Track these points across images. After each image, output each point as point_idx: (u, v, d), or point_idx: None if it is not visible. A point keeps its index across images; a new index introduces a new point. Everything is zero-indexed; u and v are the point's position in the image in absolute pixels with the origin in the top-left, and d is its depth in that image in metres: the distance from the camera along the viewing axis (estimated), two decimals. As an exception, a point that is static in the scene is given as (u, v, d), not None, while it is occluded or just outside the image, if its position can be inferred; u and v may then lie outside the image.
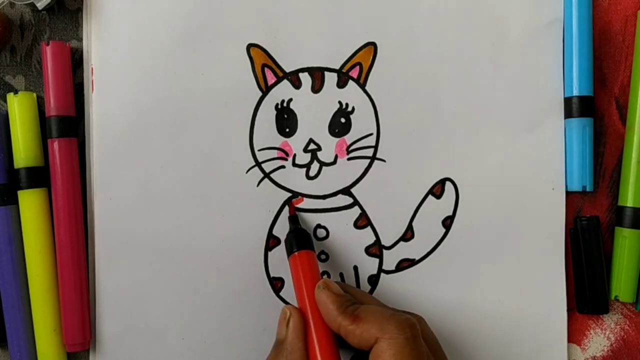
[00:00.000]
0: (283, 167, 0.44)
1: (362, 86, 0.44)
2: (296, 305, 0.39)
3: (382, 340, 0.34)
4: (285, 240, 0.42)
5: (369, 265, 0.44)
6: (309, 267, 0.39)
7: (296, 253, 0.40)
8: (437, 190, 0.44)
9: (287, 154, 0.44)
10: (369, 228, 0.44)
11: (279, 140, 0.44)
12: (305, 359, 0.36)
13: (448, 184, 0.44)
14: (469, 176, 0.44)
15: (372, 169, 0.44)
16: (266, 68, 0.43)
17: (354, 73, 0.44)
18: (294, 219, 0.42)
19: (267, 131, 0.43)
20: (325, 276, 0.44)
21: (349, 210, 0.44)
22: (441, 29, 0.44)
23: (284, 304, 0.43)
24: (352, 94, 0.44)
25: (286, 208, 0.43)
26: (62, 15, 0.44)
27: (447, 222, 0.44)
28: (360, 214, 0.44)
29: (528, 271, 0.44)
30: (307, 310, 0.38)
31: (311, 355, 0.36)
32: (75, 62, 0.44)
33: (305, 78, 0.44)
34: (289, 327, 0.37)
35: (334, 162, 0.44)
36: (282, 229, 0.43)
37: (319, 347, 0.36)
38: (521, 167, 0.44)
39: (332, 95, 0.44)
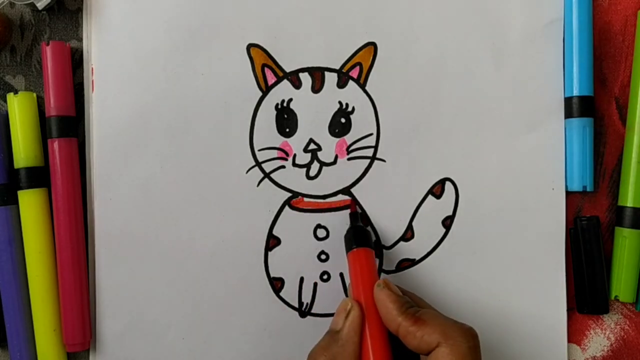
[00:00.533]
0: (283, 167, 0.44)
1: (362, 86, 0.44)
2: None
3: (445, 346, 0.34)
4: (345, 236, 0.42)
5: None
6: (367, 265, 0.39)
7: (355, 249, 0.40)
8: (437, 190, 0.44)
9: (287, 154, 0.44)
10: (368, 228, 0.44)
11: (279, 140, 0.44)
12: (358, 352, 0.36)
13: (448, 184, 0.44)
14: (469, 176, 0.44)
15: (372, 169, 0.44)
16: (266, 68, 0.43)
17: (354, 73, 0.44)
18: (354, 216, 0.42)
19: (267, 131, 0.43)
20: (325, 276, 0.44)
21: (349, 210, 0.44)
22: (441, 29, 0.44)
23: (284, 304, 0.43)
24: (352, 94, 0.44)
25: (286, 207, 0.43)
26: (62, 15, 0.44)
27: (447, 222, 0.44)
28: (361, 214, 0.44)
29: (528, 271, 0.44)
30: (363, 307, 0.38)
31: (364, 351, 0.37)
32: (75, 62, 0.44)
33: (305, 78, 0.44)
34: (348, 319, 0.37)
35: (334, 162, 0.44)
36: (282, 229, 0.43)
37: (372, 343, 0.36)
38: (521, 167, 0.44)
39: (332, 95, 0.44)
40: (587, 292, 0.44)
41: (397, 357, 0.37)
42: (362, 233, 0.41)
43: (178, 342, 0.43)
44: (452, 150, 0.44)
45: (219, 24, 0.43)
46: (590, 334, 0.45)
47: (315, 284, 0.44)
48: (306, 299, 0.44)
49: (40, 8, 0.42)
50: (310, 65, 0.44)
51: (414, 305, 0.37)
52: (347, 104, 0.44)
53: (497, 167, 0.44)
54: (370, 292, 0.38)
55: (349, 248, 0.41)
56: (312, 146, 0.44)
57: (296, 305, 0.44)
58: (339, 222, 0.44)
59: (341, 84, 0.44)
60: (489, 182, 0.44)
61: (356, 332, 0.37)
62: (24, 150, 0.42)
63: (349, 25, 0.44)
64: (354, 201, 0.43)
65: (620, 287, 0.43)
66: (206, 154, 0.43)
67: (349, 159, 0.44)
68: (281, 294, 0.44)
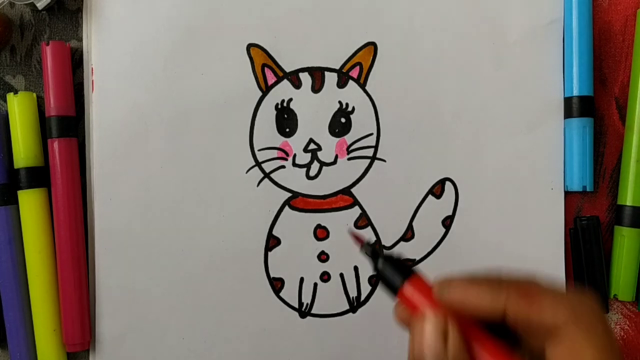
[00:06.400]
0: (283, 167, 0.44)
1: (362, 86, 0.44)
2: None
3: (575, 329, 0.27)
4: (380, 278, 0.32)
5: (370, 266, 0.44)
6: (426, 289, 0.30)
7: (406, 284, 0.30)
8: (437, 190, 0.44)
9: (287, 154, 0.44)
10: (369, 228, 0.44)
11: (279, 140, 0.44)
12: None
13: (448, 184, 0.44)
14: (468, 176, 0.44)
15: (372, 169, 0.44)
16: (266, 68, 0.43)
17: (354, 73, 0.44)
18: (374, 253, 0.32)
19: (267, 131, 0.43)
20: (325, 277, 0.44)
21: (349, 210, 0.44)
22: (441, 29, 0.44)
23: (284, 304, 0.43)
24: (352, 94, 0.44)
25: (286, 207, 0.43)
26: (62, 15, 0.44)
27: (447, 222, 0.44)
28: (361, 214, 0.44)
29: (528, 271, 0.44)
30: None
31: None
32: (75, 62, 0.44)
33: (305, 78, 0.44)
34: (451, 341, 0.28)
35: (334, 162, 0.44)
36: (282, 229, 0.43)
37: (489, 349, 0.28)
38: (521, 167, 0.44)
39: (332, 95, 0.44)
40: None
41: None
42: (398, 264, 0.32)
43: (178, 342, 0.43)
44: (452, 150, 0.44)
45: (219, 24, 0.43)
46: (590, 333, 0.45)
47: (315, 284, 0.44)
48: (306, 299, 0.44)
49: (40, 8, 0.42)
50: (310, 65, 0.44)
51: (502, 277, 0.29)
52: (347, 104, 0.44)
53: (496, 167, 0.44)
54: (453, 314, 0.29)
55: (395, 288, 0.31)
56: (312, 146, 0.44)
57: (296, 305, 0.44)
58: (339, 222, 0.44)
59: (341, 84, 0.44)
60: (488, 182, 0.44)
61: (465, 354, 0.28)
62: (24, 150, 0.42)
63: (349, 25, 0.44)
64: (358, 236, 0.34)
65: (619, 285, 0.43)
66: (206, 153, 0.43)
67: (349, 159, 0.44)
68: (281, 294, 0.44)
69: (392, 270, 0.31)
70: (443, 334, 0.28)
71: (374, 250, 0.32)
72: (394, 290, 0.31)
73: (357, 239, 0.34)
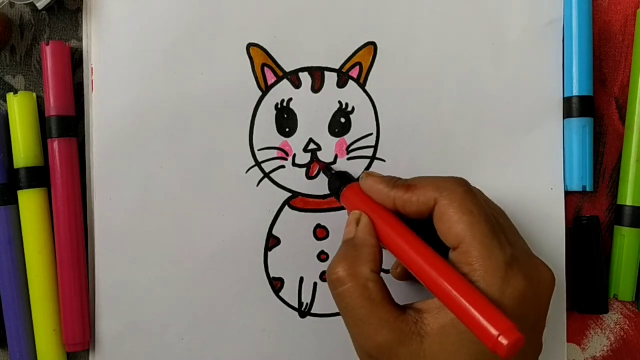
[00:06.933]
0: (283, 167, 0.44)
1: (362, 86, 0.44)
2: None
3: (442, 199, 0.34)
4: (331, 186, 0.42)
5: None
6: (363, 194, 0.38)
7: (349, 186, 0.40)
8: (437, 190, 0.44)
9: (287, 154, 0.44)
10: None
11: (279, 140, 0.44)
12: (378, 251, 0.35)
13: (448, 184, 0.44)
14: (468, 176, 0.44)
15: (372, 169, 0.44)
16: (266, 68, 0.43)
17: (354, 73, 0.44)
18: (328, 168, 0.43)
19: (267, 131, 0.43)
20: (325, 277, 0.44)
21: (346, 211, 0.44)
22: (441, 29, 0.44)
23: (284, 304, 0.43)
24: (352, 94, 0.44)
25: (286, 207, 0.43)
26: (62, 15, 0.44)
27: (447, 222, 0.44)
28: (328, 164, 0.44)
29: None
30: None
31: (389, 244, 0.35)
32: (75, 62, 0.44)
33: (305, 78, 0.44)
34: (361, 223, 0.37)
35: (334, 162, 0.44)
36: (282, 229, 0.43)
37: (397, 231, 0.35)
38: (520, 167, 0.44)
39: (332, 95, 0.44)
40: (587, 292, 0.44)
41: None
42: (345, 175, 0.42)
43: (178, 343, 0.43)
44: (452, 150, 0.44)
45: (219, 24, 0.43)
46: (590, 334, 0.45)
47: (315, 284, 0.44)
48: (306, 299, 0.44)
49: (40, 8, 0.42)
50: (310, 65, 0.44)
51: (401, 179, 0.37)
52: (347, 104, 0.44)
53: (496, 167, 0.44)
54: (375, 205, 0.37)
55: (339, 191, 0.40)
56: (312, 146, 0.44)
57: (296, 305, 0.44)
58: (339, 222, 0.44)
59: (341, 84, 0.44)
60: (488, 182, 0.44)
61: (371, 235, 0.36)
62: (24, 150, 0.42)
63: (349, 25, 0.44)
64: (319, 161, 0.44)
65: (619, 285, 0.43)
66: (206, 153, 0.43)
67: (348, 159, 0.44)
68: (281, 294, 0.44)
69: (337, 181, 0.41)
70: (356, 221, 0.37)
71: (328, 168, 0.43)
72: (337, 195, 0.41)
73: (320, 164, 0.44)
